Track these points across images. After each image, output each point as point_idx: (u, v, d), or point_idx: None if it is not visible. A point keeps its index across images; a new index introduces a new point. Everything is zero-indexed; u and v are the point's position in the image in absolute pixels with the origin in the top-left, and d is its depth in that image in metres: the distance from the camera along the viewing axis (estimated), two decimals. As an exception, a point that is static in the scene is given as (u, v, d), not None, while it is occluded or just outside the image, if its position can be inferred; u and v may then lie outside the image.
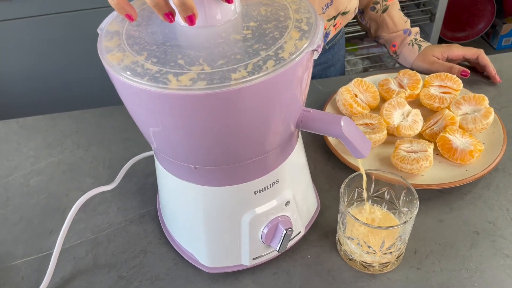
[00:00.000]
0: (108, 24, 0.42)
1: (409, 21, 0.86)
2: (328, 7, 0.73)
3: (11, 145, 0.73)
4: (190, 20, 0.37)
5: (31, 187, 0.66)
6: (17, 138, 0.75)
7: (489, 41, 2.15)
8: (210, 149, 0.41)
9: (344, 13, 0.77)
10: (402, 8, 1.93)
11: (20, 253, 0.58)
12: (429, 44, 0.84)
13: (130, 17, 0.39)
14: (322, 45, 0.39)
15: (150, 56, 0.38)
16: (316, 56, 0.39)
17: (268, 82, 0.36)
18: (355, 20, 1.88)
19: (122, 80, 0.36)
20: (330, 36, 0.81)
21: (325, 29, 0.78)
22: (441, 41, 2.00)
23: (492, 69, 0.77)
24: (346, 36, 1.88)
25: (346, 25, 1.90)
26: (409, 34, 0.84)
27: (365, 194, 0.53)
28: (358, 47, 2.00)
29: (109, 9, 1.52)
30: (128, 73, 0.36)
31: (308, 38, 0.38)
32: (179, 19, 0.40)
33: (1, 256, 0.57)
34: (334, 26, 0.79)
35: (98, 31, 0.42)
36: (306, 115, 0.45)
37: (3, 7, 1.48)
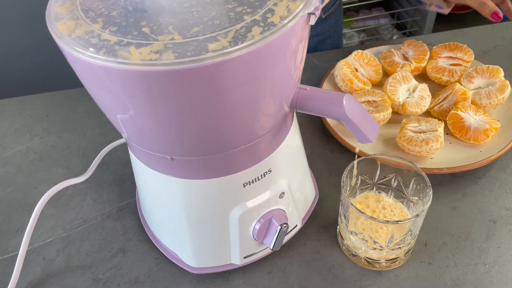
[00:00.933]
0: (60, -13, 0.35)
1: None
2: None
3: (-26, 133, 0.66)
4: None
5: (-4, 180, 0.59)
6: (-18, 125, 0.67)
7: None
8: (187, 136, 0.34)
9: None
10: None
11: (-17, 255, 0.51)
12: None
13: None
14: (320, 8, 0.32)
15: (108, 23, 0.30)
16: (313, 21, 0.32)
17: (255, 54, 0.29)
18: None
19: (74, 54, 0.29)
20: (326, 0, 0.72)
21: None
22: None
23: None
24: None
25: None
26: None
27: (369, 184, 0.47)
28: (353, 19, 1.91)
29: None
30: (81, 45, 0.29)
31: (303, -1, 0.31)
32: (144, -22, 0.33)
33: (-39, 258, 0.51)
34: None
35: (48, -4, 0.35)
36: (302, 94, 0.38)
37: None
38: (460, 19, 2.03)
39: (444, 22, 1.99)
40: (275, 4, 0.31)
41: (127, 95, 0.31)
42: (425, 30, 1.81)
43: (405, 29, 1.93)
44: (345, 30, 1.88)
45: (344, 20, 1.91)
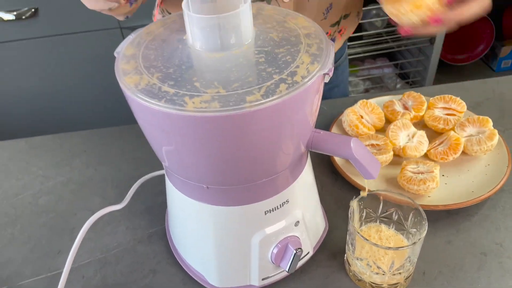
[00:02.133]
0: (125, 48, 0.44)
1: None
2: (328, 11, 0.73)
3: (20, 164, 0.74)
4: None
5: (39, 207, 0.67)
6: (26, 157, 0.76)
7: (488, 64, 2.18)
8: (223, 169, 0.42)
9: (345, 16, 0.77)
10: (403, 31, 1.96)
11: (29, 273, 0.58)
12: None
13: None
14: (333, 69, 0.41)
15: (166, 78, 0.39)
16: (327, 79, 0.41)
17: (281, 105, 0.37)
18: (355, 42, 1.90)
19: (139, 102, 0.37)
20: (336, 45, 0.80)
21: (330, 35, 0.77)
22: (441, 63, 2.03)
23: None
24: (348, 57, 1.91)
25: (347, 47, 1.92)
26: None
27: (373, 218, 0.53)
28: (359, 69, 2.03)
29: (114, 31, 1.55)
30: (146, 95, 0.37)
31: (320, 62, 0.40)
32: (195, 43, 0.41)
33: (9, 275, 0.57)
34: (339, 32, 0.79)
35: (115, 54, 0.44)
36: (316, 136, 0.46)
37: (12, 27, 1.51)
38: (459, 70, 2.15)
39: (444, 73, 2.10)
40: (297, 66, 0.39)
41: (179, 134, 0.38)
42: (426, 80, 1.92)
43: (408, 78, 2.04)
44: (351, 78, 1.99)
45: (351, 69, 2.03)
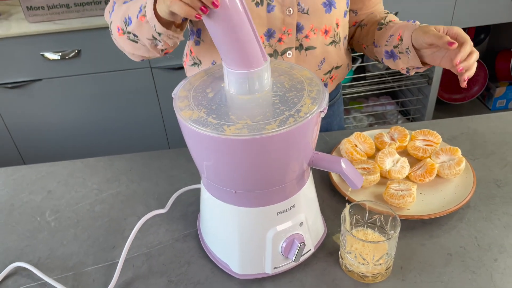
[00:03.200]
0: (179, 91, 0.61)
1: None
2: (322, 64, 0.91)
3: (77, 180, 0.91)
4: (214, 5, 0.52)
5: (96, 212, 0.83)
6: (82, 174, 0.93)
7: (484, 102, 2.34)
8: (248, 178, 0.58)
9: (337, 68, 0.94)
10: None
11: (90, 262, 0.74)
12: None
13: (214, 4, 0.53)
14: (327, 108, 0.58)
15: (210, 113, 0.56)
16: (322, 115, 0.57)
17: (290, 133, 0.53)
18: (360, 82, 2.08)
19: (191, 128, 0.55)
20: (329, 88, 0.96)
21: (323, 81, 0.94)
22: (439, 101, 2.20)
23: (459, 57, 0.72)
24: (353, 95, 2.09)
25: (352, 86, 2.10)
26: (414, 22, 0.81)
27: (360, 222, 0.68)
28: (363, 105, 2.20)
29: (145, 70, 1.76)
30: (196, 124, 0.54)
31: (317, 103, 0.57)
32: (230, 88, 0.59)
33: (75, 264, 0.73)
34: (330, 78, 0.95)
35: (172, 95, 0.61)
36: (316, 157, 0.62)
37: (57, 66, 1.72)
38: (457, 108, 2.31)
39: (442, 110, 2.27)
40: (302, 106, 0.56)
41: (219, 152, 0.55)
42: (425, 116, 2.08)
43: (409, 115, 2.21)
44: (355, 114, 2.17)
45: (355, 106, 2.21)
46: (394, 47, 0.83)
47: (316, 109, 0.56)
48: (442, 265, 0.69)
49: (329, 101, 1.02)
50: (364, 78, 2.07)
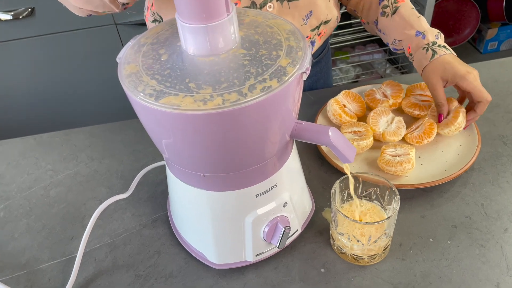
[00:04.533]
0: (126, 54, 0.49)
1: (423, 19, 0.76)
2: (308, 17, 0.79)
3: (30, 160, 0.80)
4: None
5: (51, 198, 0.73)
6: (35, 154, 0.81)
7: (475, 46, 2.23)
8: (217, 159, 0.48)
9: (326, 22, 0.82)
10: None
11: (46, 257, 0.64)
12: (449, 53, 0.73)
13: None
14: (310, 68, 0.46)
15: (163, 81, 0.44)
16: (305, 77, 0.46)
17: (264, 102, 0.42)
18: (345, 30, 1.94)
19: (140, 102, 0.43)
20: (316, 46, 0.86)
21: (310, 38, 0.83)
22: (429, 47, 2.07)
23: (472, 120, 0.73)
24: (338, 45, 1.96)
25: (337, 35, 1.96)
26: (424, 37, 0.74)
27: (353, 194, 0.59)
28: (349, 55, 2.08)
29: (109, 27, 1.59)
30: (145, 96, 0.43)
31: (298, 62, 0.45)
32: (188, 48, 0.47)
33: (28, 260, 0.64)
34: (318, 35, 0.84)
35: (117, 60, 0.49)
36: (299, 127, 0.51)
37: (17, 26, 1.54)
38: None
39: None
40: (279, 67, 0.45)
41: (176, 130, 0.44)
42: (415, 64, 1.97)
43: (397, 63, 2.09)
44: (341, 65, 2.04)
45: (341, 56, 2.08)
46: (402, 50, 0.80)
47: (296, 70, 0.45)
48: (446, 239, 0.61)
49: (314, 58, 0.90)
50: (349, 25, 1.93)
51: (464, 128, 0.72)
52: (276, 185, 0.55)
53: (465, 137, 0.72)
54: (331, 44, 1.96)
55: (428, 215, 0.64)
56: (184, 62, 0.47)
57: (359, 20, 1.93)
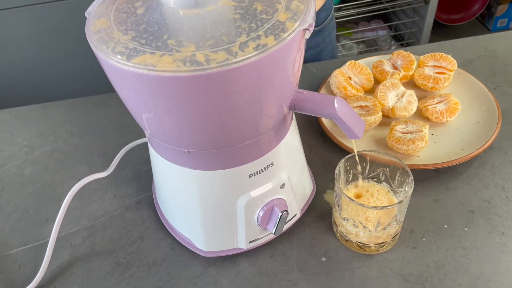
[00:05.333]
0: (96, 7, 0.42)
1: None
2: None
3: (4, 135, 0.73)
4: None
5: (25, 177, 0.66)
6: (10, 128, 0.74)
7: (484, 23, 2.14)
8: (202, 132, 0.41)
9: None
10: (397, -9, 1.92)
11: (17, 242, 0.58)
12: None
13: None
14: (313, 24, 0.39)
15: (138, 37, 0.37)
16: (308, 35, 0.39)
17: (258, 63, 0.35)
18: (349, 4, 1.85)
19: (110, 63, 0.36)
20: (318, 2, 0.79)
21: None
22: (436, 24, 1.99)
23: None
24: (341, 20, 1.87)
25: (340, 9, 1.87)
26: None
27: (360, 177, 0.53)
28: (352, 31, 1.99)
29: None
30: (117, 55, 0.36)
31: (299, 17, 0.38)
32: (168, 0, 0.39)
33: (-3, 245, 0.57)
34: None
35: (86, 14, 0.42)
36: (299, 97, 0.44)
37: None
38: (454, 31, 2.11)
39: (439, 34, 2.07)
40: (276, 22, 0.37)
41: (152, 96, 0.37)
42: (421, 41, 1.88)
43: (403, 40, 2.00)
44: (344, 42, 1.96)
45: (344, 32, 1.99)
46: None
47: (297, 26, 0.37)
48: (462, 225, 0.55)
49: (317, 26, 0.82)
50: (353, -1, 1.83)
51: None
52: (273, 164, 0.48)
53: (484, 113, 0.65)
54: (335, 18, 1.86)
55: (443, 198, 0.58)
56: (164, 16, 0.39)
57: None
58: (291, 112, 0.48)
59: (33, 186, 0.64)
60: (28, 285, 0.52)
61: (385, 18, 2.10)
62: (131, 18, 0.39)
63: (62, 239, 0.57)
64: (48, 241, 0.55)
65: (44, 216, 0.60)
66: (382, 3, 1.89)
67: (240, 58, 0.34)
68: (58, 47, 1.59)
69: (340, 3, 1.88)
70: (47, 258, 0.53)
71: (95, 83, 1.66)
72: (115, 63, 0.35)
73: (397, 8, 1.90)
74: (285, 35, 0.36)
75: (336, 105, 0.43)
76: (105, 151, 0.69)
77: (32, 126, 0.74)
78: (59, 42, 1.58)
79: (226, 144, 0.43)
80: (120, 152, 0.62)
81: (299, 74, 0.44)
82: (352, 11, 1.85)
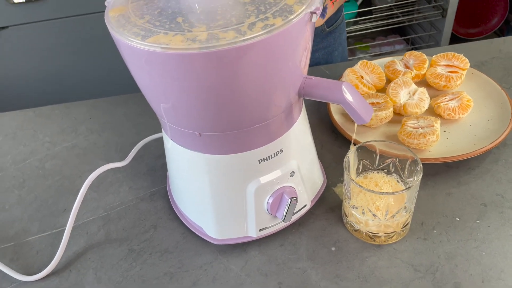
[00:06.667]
0: (115, -3, 0.44)
1: None
2: None
3: (27, 132, 0.76)
4: None
5: (46, 170, 0.68)
6: (33, 126, 0.77)
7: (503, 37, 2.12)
8: (212, 112, 0.42)
9: None
10: (413, 4, 1.93)
11: (35, 229, 0.60)
12: None
13: None
14: (321, 8, 0.40)
15: (153, 20, 0.39)
16: (315, 18, 0.40)
17: (266, 43, 0.37)
18: (365, 18, 1.87)
19: (127, 43, 0.38)
20: (328, 13, 0.80)
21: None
22: (453, 37, 1.98)
23: None
24: (358, 34, 1.89)
25: (357, 23, 1.89)
26: None
27: (370, 168, 0.53)
28: (369, 45, 2.00)
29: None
30: (133, 36, 0.38)
31: (307, 0, 0.40)
32: (181, -13, 0.42)
33: (17, 232, 0.59)
34: (331, 0, 0.78)
35: (106, 4, 0.44)
36: (308, 82, 0.45)
37: (39, 7, 1.53)
38: (472, 45, 2.09)
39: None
40: (284, 5, 0.39)
41: (166, 75, 0.39)
42: (439, 54, 1.88)
43: (420, 54, 2.00)
44: (361, 55, 1.97)
45: (361, 46, 2.01)
46: None
47: (304, 8, 0.39)
48: (474, 218, 0.54)
49: (328, 26, 0.84)
50: (370, 12, 1.85)
51: None
52: (282, 151, 0.49)
53: (497, 110, 0.65)
54: (351, 32, 1.89)
55: (455, 192, 0.58)
56: (178, 1, 0.41)
57: (379, 7, 1.86)
58: (300, 100, 0.50)
59: (53, 178, 0.67)
60: (45, 269, 0.53)
61: (401, 31, 2.11)
62: (147, 4, 0.42)
63: (79, 227, 0.59)
64: (64, 229, 0.57)
65: (62, 206, 0.62)
66: (398, 16, 1.90)
67: (248, 37, 0.36)
68: (82, 55, 1.66)
69: (356, 17, 1.90)
70: (63, 244, 0.54)
71: (112, 89, 1.71)
72: (131, 43, 0.38)
73: (414, 22, 1.91)
74: (292, 17, 0.38)
75: (344, 89, 0.44)
76: (122, 146, 0.71)
77: (54, 124, 0.77)
78: (83, 51, 1.65)
79: (235, 127, 0.44)
80: (137, 145, 0.64)
81: (307, 61, 0.46)
82: (369, 25, 1.87)
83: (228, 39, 0.36)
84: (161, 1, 0.42)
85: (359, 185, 0.48)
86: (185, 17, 0.39)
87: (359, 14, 1.90)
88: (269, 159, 0.49)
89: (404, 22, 1.89)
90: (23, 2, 1.48)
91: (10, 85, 1.71)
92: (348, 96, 0.44)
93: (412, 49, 2.04)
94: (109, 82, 1.73)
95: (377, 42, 2.00)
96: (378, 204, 0.49)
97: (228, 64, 0.37)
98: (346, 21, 1.87)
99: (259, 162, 0.48)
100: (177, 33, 0.37)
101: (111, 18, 0.41)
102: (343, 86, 0.44)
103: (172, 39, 0.37)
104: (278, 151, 0.49)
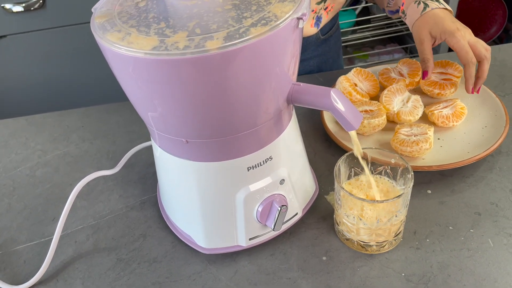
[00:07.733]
0: (102, 3, 0.44)
1: None
2: None
3: (19, 140, 0.76)
4: None
5: (36, 178, 0.68)
6: (25, 134, 0.77)
7: (502, 46, 2.12)
8: (198, 119, 0.42)
9: None
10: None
11: (23, 238, 0.59)
12: (443, 7, 0.67)
13: None
14: (307, 15, 0.40)
15: (137, 25, 0.39)
16: (301, 24, 0.40)
17: (250, 49, 0.36)
18: (363, 27, 1.87)
19: (107, 47, 0.38)
20: (323, 21, 0.80)
21: (315, 12, 0.78)
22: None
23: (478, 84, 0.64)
24: (356, 42, 1.89)
25: (355, 31, 1.89)
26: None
27: (366, 168, 0.52)
28: (368, 53, 2.00)
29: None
30: (115, 41, 0.37)
31: (293, 6, 0.39)
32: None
33: (5, 241, 0.59)
34: (325, 9, 0.78)
35: (92, 10, 0.44)
36: (296, 89, 0.45)
37: (37, 16, 1.53)
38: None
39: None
40: (269, 11, 0.39)
41: (148, 80, 0.38)
42: (437, 63, 1.88)
43: (419, 62, 2.00)
44: (359, 64, 1.97)
45: (359, 54, 2.01)
46: (398, 14, 0.75)
47: (290, 14, 0.39)
48: (468, 227, 0.53)
49: (323, 34, 0.84)
50: (368, 21, 1.86)
51: (472, 92, 0.65)
52: (271, 158, 0.48)
53: (491, 117, 0.65)
54: (349, 41, 1.89)
55: (448, 201, 0.57)
56: (164, 7, 0.41)
57: (378, 16, 1.86)
58: (290, 107, 0.49)
59: (43, 186, 0.66)
60: (31, 278, 0.52)
61: (400, 40, 2.12)
62: (132, 10, 0.41)
63: (68, 236, 0.58)
64: (52, 238, 0.57)
65: (51, 214, 0.62)
66: (397, 25, 1.91)
67: (234, 42, 0.36)
68: (78, 64, 1.66)
69: (354, 26, 1.90)
70: (50, 254, 0.54)
71: (104, 99, 1.70)
72: (113, 48, 0.37)
73: (412, 31, 1.91)
74: (279, 22, 0.37)
75: (332, 95, 0.43)
76: (114, 155, 0.70)
77: (46, 132, 0.77)
78: (79, 59, 1.65)
79: (223, 133, 0.44)
80: (128, 152, 0.63)
81: (296, 67, 0.45)
82: (367, 33, 1.87)
83: (213, 45, 0.36)
84: (147, 6, 0.41)
85: (350, 193, 0.47)
86: (169, 22, 0.39)
87: (357, 23, 1.91)
88: (258, 166, 0.48)
89: (402, 31, 1.90)
90: (21, 11, 1.49)
91: (5, 93, 1.71)
92: (337, 103, 0.44)
93: (411, 57, 2.04)
94: (105, 89, 1.72)
95: (376, 51, 2.00)
96: (368, 212, 0.48)
97: (213, 70, 0.37)
98: (344, 30, 1.87)
99: (248, 170, 0.48)
100: (161, 38, 0.37)
101: (96, 24, 0.41)
102: (331, 93, 0.44)
103: (156, 45, 0.36)
104: (268, 159, 0.48)
